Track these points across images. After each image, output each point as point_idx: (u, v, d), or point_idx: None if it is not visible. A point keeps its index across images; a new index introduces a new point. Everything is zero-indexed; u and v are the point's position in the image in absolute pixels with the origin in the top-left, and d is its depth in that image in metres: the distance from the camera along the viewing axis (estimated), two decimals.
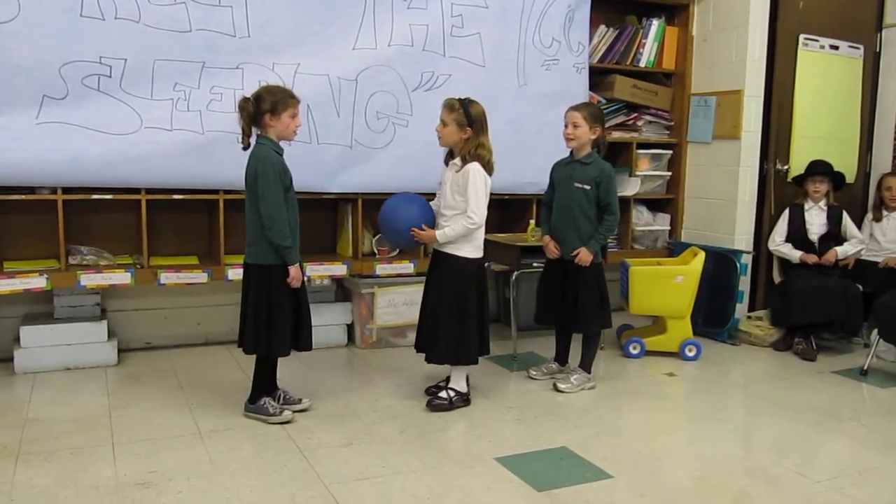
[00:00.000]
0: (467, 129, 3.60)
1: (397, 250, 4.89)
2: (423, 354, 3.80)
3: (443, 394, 3.79)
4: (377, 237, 4.91)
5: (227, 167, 4.10)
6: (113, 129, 3.98)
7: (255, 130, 3.41)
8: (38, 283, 4.10)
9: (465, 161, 3.62)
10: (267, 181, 3.32)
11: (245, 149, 3.40)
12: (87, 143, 3.93)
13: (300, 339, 3.52)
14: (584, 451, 3.23)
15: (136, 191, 4.22)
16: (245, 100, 3.38)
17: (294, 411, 3.58)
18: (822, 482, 3.00)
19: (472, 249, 3.71)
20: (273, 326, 3.43)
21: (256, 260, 3.44)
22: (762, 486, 2.96)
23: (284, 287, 3.43)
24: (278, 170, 3.35)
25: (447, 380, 3.86)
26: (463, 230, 3.62)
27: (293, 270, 3.41)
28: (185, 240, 4.74)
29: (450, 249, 3.70)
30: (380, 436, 3.38)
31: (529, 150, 4.85)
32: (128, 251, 4.53)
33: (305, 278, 4.58)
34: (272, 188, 3.32)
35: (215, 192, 4.36)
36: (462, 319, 3.69)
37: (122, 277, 4.25)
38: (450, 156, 3.74)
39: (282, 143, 3.45)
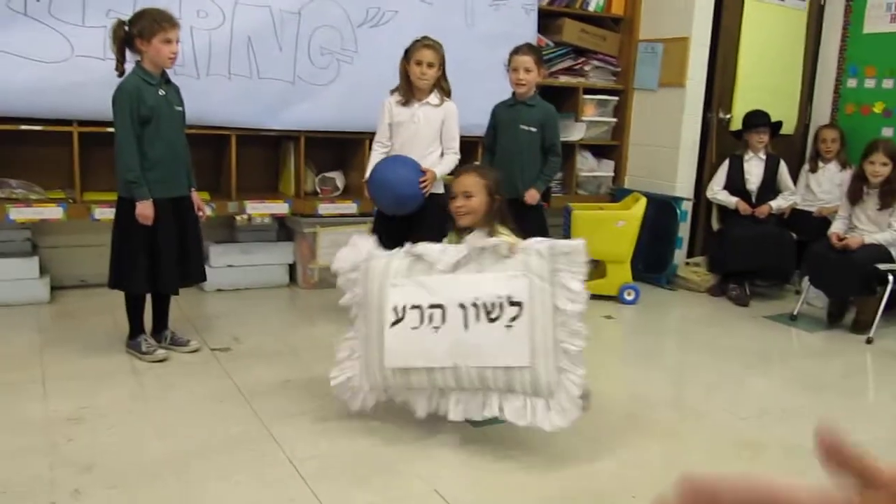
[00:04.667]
0: (442, 67, 3.73)
1: (340, 191, 4.85)
2: None
3: None
4: (320, 176, 4.84)
5: None
6: (41, 56, 3.81)
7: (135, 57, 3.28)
8: None
9: (442, 97, 3.78)
10: (116, 110, 3.22)
11: (119, 76, 3.27)
12: (14, 70, 3.76)
13: (159, 280, 3.39)
14: None
15: (68, 122, 4.06)
16: (118, 23, 3.24)
17: (184, 352, 3.52)
18: (747, 419, 3.11)
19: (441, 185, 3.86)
20: (127, 263, 3.34)
21: (118, 192, 3.36)
22: (690, 423, 3.06)
23: (137, 222, 3.28)
24: (129, 98, 3.20)
25: None
26: (453, 166, 3.77)
27: (139, 206, 3.25)
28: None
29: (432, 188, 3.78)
30: (319, 373, 3.37)
31: (475, 92, 4.76)
32: (60, 186, 4.38)
33: (245, 216, 4.52)
34: (119, 117, 3.21)
35: None
36: None
37: (53, 212, 4.12)
38: (409, 94, 3.73)
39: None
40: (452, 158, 3.82)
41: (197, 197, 3.51)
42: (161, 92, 3.30)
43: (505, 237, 2.77)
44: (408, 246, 2.79)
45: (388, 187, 3.70)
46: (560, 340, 2.55)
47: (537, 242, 2.67)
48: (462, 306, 2.58)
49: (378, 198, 3.76)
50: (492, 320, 2.55)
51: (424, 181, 3.69)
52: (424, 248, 2.74)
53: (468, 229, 2.88)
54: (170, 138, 3.34)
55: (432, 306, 2.61)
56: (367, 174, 3.80)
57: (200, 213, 3.53)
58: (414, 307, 2.63)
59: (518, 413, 2.60)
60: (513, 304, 2.54)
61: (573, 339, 2.56)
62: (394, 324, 2.65)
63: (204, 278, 3.63)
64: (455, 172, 3.24)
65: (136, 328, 3.48)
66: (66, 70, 3.85)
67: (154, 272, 3.35)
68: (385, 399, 2.80)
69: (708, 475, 0.45)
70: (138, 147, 3.24)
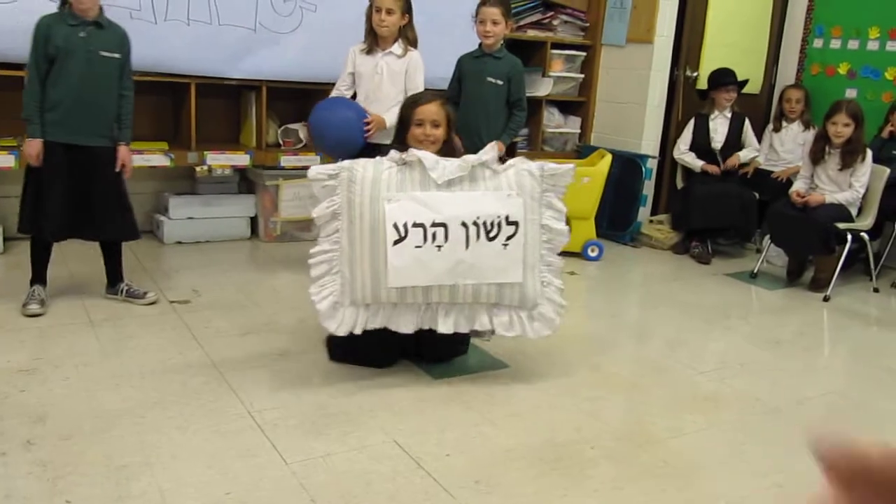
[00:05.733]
0: (406, 14, 3.63)
1: (303, 144, 4.76)
2: None
3: None
4: (282, 128, 4.75)
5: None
6: None
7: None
8: None
9: (406, 47, 3.68)
10: (30, 45, 3.13)
11: None
12: None
13: (46, 223, 3.26)
14: (483, 342, 3.28)
15: (18, 66, 3.89)
16: None
17: (141, 304, 3.44)
18: (706, 373, 3.15)
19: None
20: (23, 203, 3.27)
21: None
22: (651, 376, 3.09)
23: (35, 165, 3.18)
24: (35, 34, 3.11)
25: None
26: None
27: (25, 144, 3.17)
28: None
29: (378, 139, 3.66)
30: (280, 326, 3.34)
31: (442, 44, 4.69)
32: (11, 133, 4.23)
33: (206, 167, 4.42)
34: (29, 54, 3.14)
35: None
36: None
37: (4, 160, 3.99)
38: (373, 43, 3.66)
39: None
40: None
41: (124, 152, 3.32)
42: (81, 34, 3.15)
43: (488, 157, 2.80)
44: (398, 154, 2.71)
45: (327, 127, 3.64)
46: (544, 255, 2.78)
47: (526, 163, 2.77)
48: (464, 225, 2.64)
49: (317, 138, 3.72)
50: (490, 239, 2.66)
51: (369, 125, 3.62)
52: (423, 154, 2.68)
53: None
54: (79, 82, 3.18)
55: (435, 224, 2.62)
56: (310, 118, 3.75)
57: (125, 170, 3.34)
58: (416, 225, 2.60)
59: (505, 326, 2.79)
60: (510, 223, 2.67)
61: (555, 255, 2.81)
62: (396, 242, 2.60)
63: (124, 237, 3.44)
64: (416, 100, 3.03)
65: (33, 274, 3.39)
66: (10, 13, 3.70)
67: (39, 215, 3.24)
68: (361, 323, 2.68)
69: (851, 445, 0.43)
70: (42, 86, 3.14)
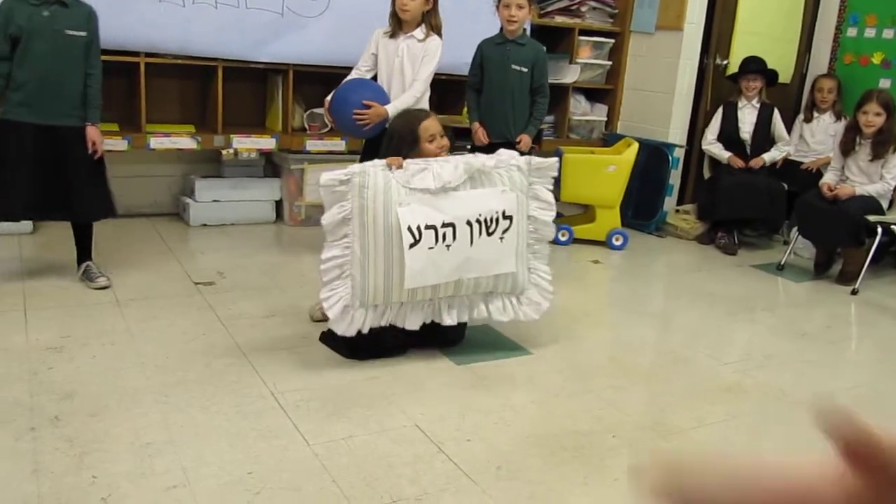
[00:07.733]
0: (430, 0, 3.56)
1: (328, 128, 4.77)
2: None
3: None
4: (308, 112, 4.76)
5: (143, 25, 3.85)
6: None
7: None
8: None
9: (429, 32, 3.61)
10: None
11: None
12: None
13: (7, 204, 3.24)
14: (506, 329, 3.27)
15: None
16: None
17: (94, 288, 3.40)
18: (729, 364, 3.12)
19: None
20: None
21: None
22: (671, 367, 3.07)
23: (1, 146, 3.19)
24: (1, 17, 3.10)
25: None
26: (410, 102, 3.58)
27: None
28: (106, 104, 4.48)
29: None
30: (304, 309, 3.36)
31: (469, 30, 4.67)
32: None
33: (232, 150, 4.45)
34: None
35: (136, 54, 4.12)
36: None
37: None
38: (396, 27, 3.64)
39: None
40: (408, 95, 3.60)
41: (94, 132, 3.29)
42: (45, 13, 3.14)
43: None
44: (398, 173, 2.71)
45: (340, 112, 3.65)
46: (531, 244, 2.94)
47: (514, 157, 2.90)
48: (469, 223, 2.74)
49: (335, 120, 3.74)
50: (490, 234, 2.78)
51: (364, 115, 3.57)
52: (419, 181, 2.70)
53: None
54: (44, 62, 3.16)
55: (444, 225, 2.70)
56: (331, 95, 3.73)
57: (94, 150, 3.30)
58: (428, 227, 2.68)
59: (499, 311, 2.94)
60: (505, 217, 2.81)
61: (542, 243, 2.98)
62: (412, 246, 2.65)
63: (96, 217, 3.44)
64: (417, 118, 2.97)
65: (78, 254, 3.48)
66: None
67: (1, 196, 3.23)
68: (369, 323, 2.72)
69: (692, 468, 0.38)
70: (10, 67, 3.13)
